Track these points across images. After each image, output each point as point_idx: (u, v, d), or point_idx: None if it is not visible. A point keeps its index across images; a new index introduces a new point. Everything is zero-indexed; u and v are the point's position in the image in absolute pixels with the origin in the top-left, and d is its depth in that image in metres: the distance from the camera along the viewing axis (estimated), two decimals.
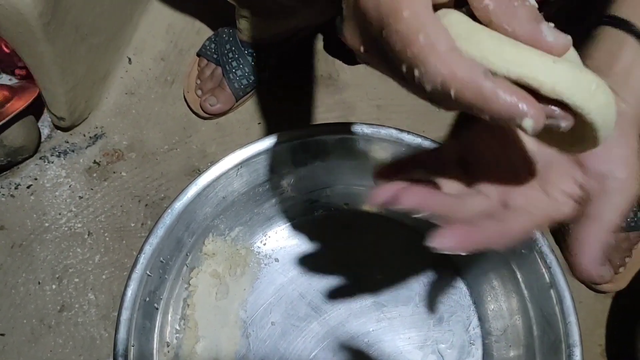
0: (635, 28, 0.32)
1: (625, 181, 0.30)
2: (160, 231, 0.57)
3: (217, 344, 0.65)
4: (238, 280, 0.68)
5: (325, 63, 0.91)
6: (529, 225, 0.30)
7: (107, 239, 0.80)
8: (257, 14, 0.77)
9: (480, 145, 0.33)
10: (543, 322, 0.57)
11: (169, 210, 0.57)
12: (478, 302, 0.67)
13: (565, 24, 0.38)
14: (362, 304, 0.67)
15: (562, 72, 0.23)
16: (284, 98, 0.89)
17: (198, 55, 0.88)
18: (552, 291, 0.55)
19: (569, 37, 0.24)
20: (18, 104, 0.77)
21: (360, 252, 0.69)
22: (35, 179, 0.83)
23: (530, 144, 0.32)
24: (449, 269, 0.69)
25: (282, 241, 0.70)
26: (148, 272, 0.57)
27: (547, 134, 0.27)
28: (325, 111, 0.88)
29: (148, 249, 0.56)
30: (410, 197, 0.29)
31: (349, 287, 0.68)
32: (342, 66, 0.91)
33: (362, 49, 0.27)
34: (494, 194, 0.31)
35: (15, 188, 0.82)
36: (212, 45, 0.86)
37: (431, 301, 0.68)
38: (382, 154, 0.61)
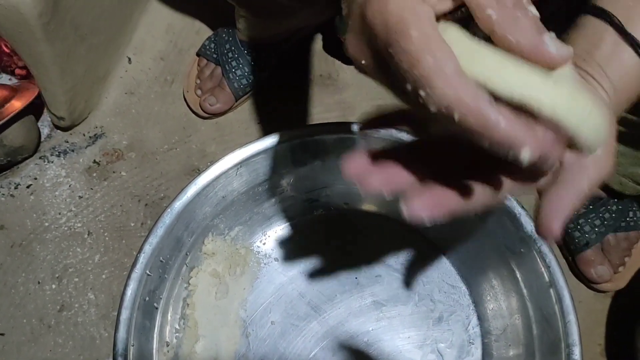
0: (615, 19, 0.33)
1: (601, 157, 0.31)
2: (160, 231, 0.57)
3: (217, 343, 0.65)
4: (238, 280, 0.68)
5: (324, 63, 0.91)
6: (503, 194, 0.31)
7: (107, 238, 0.80)
8: (256, 14, 0.77)
9: None
10: (542, 322, 0.57)
11: (169, 210, 0.57)
12: (477, 302, 0.67)
13: (565, 24, 0.38)
14: (362, 303, 0.67)
15: (562, 96, 0.24)
16: (283, 98, 0.89)
17: (198, 55, 0.88)
18: (551, 290, 0.55)
19: (571, 49, 0.24)
20: (18, 104, 0.77)
21: (360, 251, 0.69)
22: (35, 179, 0.83)
23: None
24: (448, 269, 0.69)
25: (281, 241, 0.70)
26: (148, 272, 0.57)
27: None
28: (324, 111, 0.88)
29: (148, 248, 0.56)
30: (375, 181, 0.30)
31: (348, 286, 0.68)
32: (342, 66, 0.91)
33: (364, 61, 0.27)
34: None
35: (15, 188, 0.82)
36: (212, 45, 0.86)
37: (430, 299, 0.68)
38: None
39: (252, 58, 0.84)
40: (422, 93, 0.23)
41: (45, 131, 0.86)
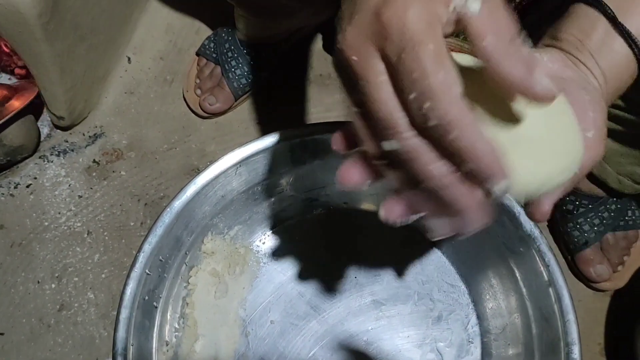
0: (607, 9, 0.34)
1: (593, 140, 0.32)
2: (159, 230, 0.57)
3: (217, 342, 0.65)
4: (237, 279, 0.68)
5: (324, 63, 0.91)
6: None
7: (107, 238, 0.80)
8: (256, 14, 0.77)
9: None
10: (542, 321, 0.57)
11: (168, 209, 0.57)
12: (477, 301, 0.67)
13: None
14: (361, 302, 0.67)
15: (522, 179, 0.28)
16: (283, 97, 0.89)
17: (197, 54, 0.88)
18: (550, 289, 0.55)
19: (556, 91, 0.25)
20: (17, 103, 0.77)
21: (359, 250, 0.69)
22: (35, 178, 0.83)
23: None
24: (448, 268, 0.69)
25: (281, 240, 0.71)
26: (147, 271, 0.57)
27: None
28: (324, 110, 0.88)
29: (147, 247, 0.56)
30: (354, 176, 0.32)
31: (347, 285, 0.68)
32: None
33: (355, 57, 0.27)
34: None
35: (15, 187, 0.82)
36: (212, 45, 0.86)
37: (429, 298, 0.68)
38: None
39: (251, 58, 0.84)
40: (426, 104, 0.24)
41: (44, 131, 0.86)
